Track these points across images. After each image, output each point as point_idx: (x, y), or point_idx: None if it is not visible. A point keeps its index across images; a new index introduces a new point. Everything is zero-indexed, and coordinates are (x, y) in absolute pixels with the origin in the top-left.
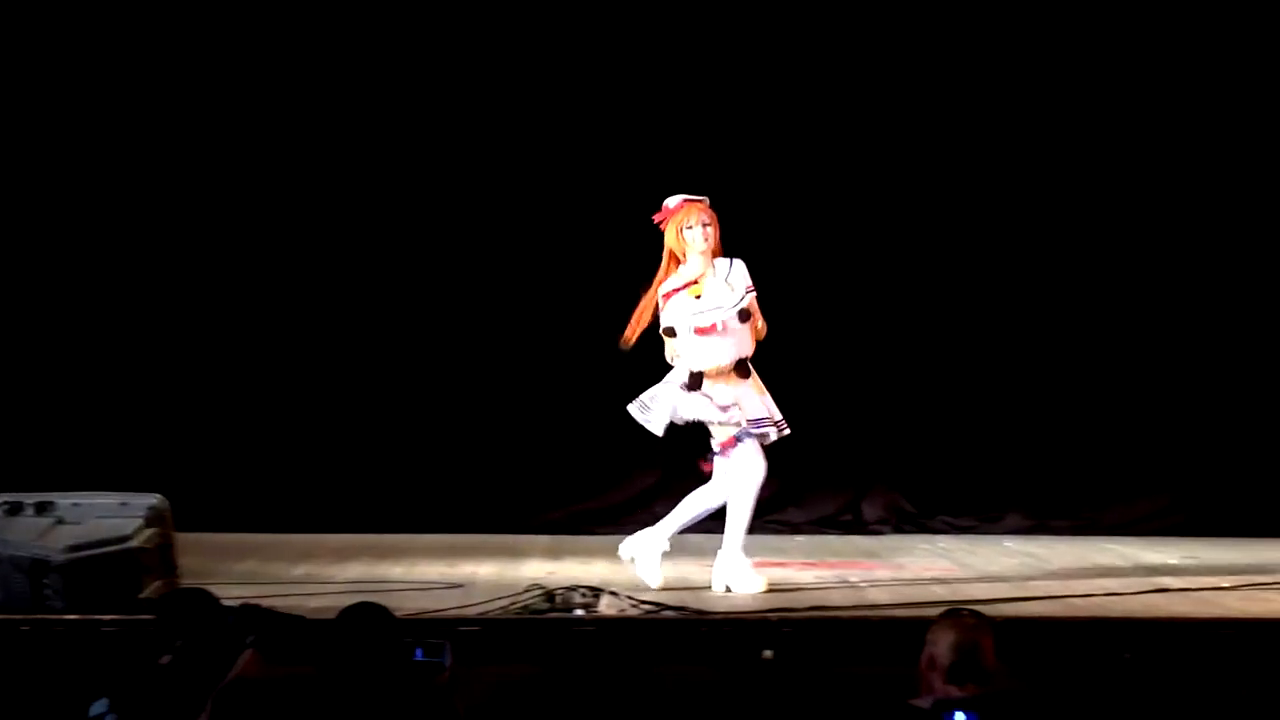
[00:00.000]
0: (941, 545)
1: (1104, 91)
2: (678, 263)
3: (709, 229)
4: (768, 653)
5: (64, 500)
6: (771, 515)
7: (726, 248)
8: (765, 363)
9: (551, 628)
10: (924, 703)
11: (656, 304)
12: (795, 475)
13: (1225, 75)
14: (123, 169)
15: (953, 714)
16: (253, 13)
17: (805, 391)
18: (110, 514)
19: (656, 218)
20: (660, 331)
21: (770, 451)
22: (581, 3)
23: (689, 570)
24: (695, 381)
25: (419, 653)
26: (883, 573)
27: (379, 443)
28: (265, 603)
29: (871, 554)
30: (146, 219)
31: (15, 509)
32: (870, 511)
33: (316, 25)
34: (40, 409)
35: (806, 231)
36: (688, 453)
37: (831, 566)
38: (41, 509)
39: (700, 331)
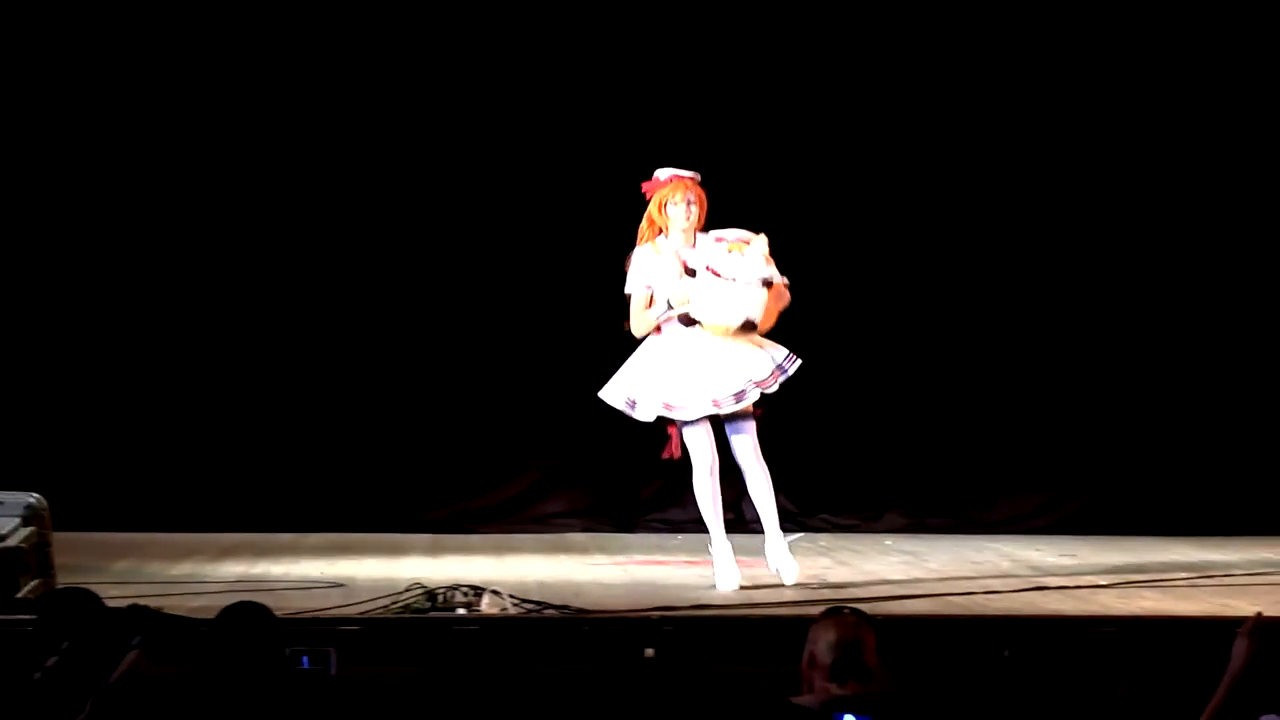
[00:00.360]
0: (822, 544)
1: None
2: (659, 231)
3: (693, 207)
4: (649, 651)
5: None
6: (653, 514)
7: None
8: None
9: (433, 627)
10: (806, 701)
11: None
12: (675, 475)
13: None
14: (35, 159)
15: (842, 715)
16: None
17: None
18: None
19: (645, 186)
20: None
21: (651, 450)
22: None
23: (571, 569)
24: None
25: (305, 661)
26: (764, 571)
27: (260, 440)
28: (145, 602)
29: (753, 553)
30: (41, 211)
31: None
32: (751, 510)
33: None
34: None
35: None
36: (568, 451)
37: (713, 565)
38: None
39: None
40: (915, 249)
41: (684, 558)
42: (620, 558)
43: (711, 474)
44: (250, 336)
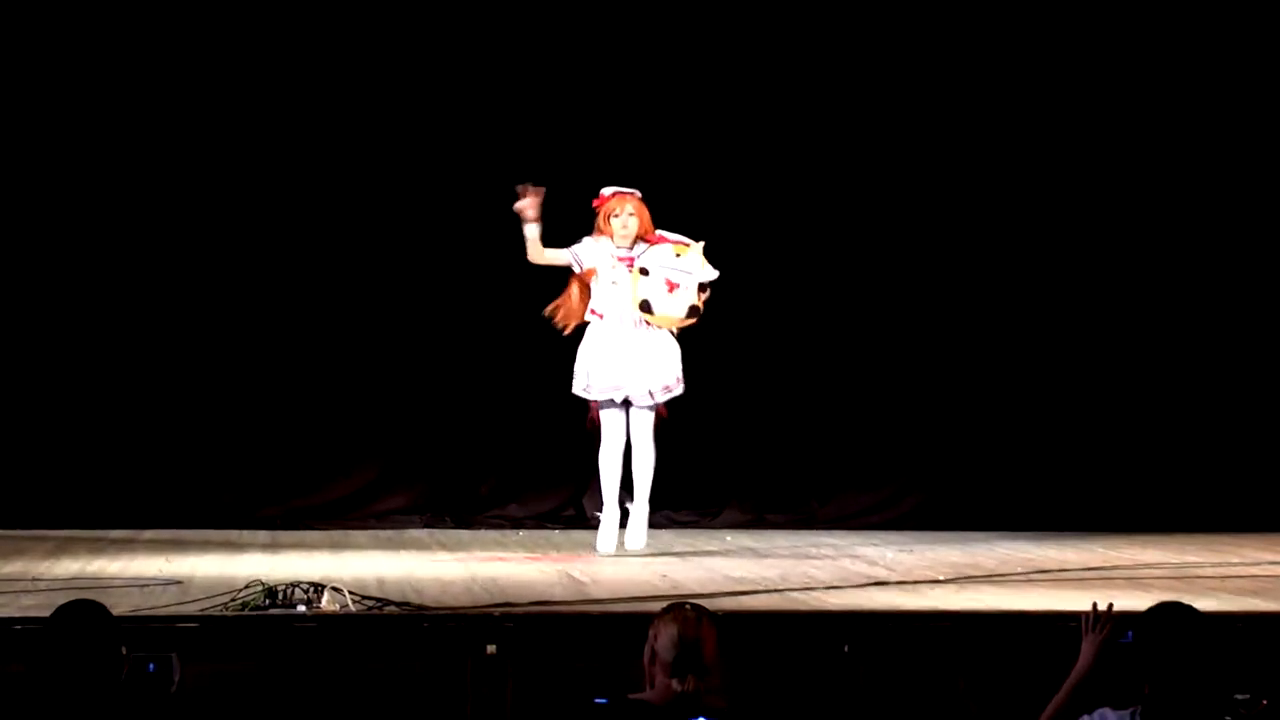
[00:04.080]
0: (663, 540)
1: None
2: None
3: (632, 218)
4: (491, 648)
5: None
6: (492, 511)
7: None
8: (484, 355)
9: (273, 624)
10: (647, 696)
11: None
12: (516, 471)
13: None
14: None
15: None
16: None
17: (523, 383)
18: None
19: (595, 203)
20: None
21: (489, 447)
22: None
23: (411, 565)
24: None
25: (151, 666)
26: (605, 567)
27: (94, 434)
28: None
29: (593, 548)
30: None
31: None
32: (591, 506)
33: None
34: None
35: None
36: (406, 447)
37: (554, 561)
38: None
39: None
40: (768, 239)
41: (524, 554)
42: (460, 554)
43: (617, 453)
44: (82, 327)
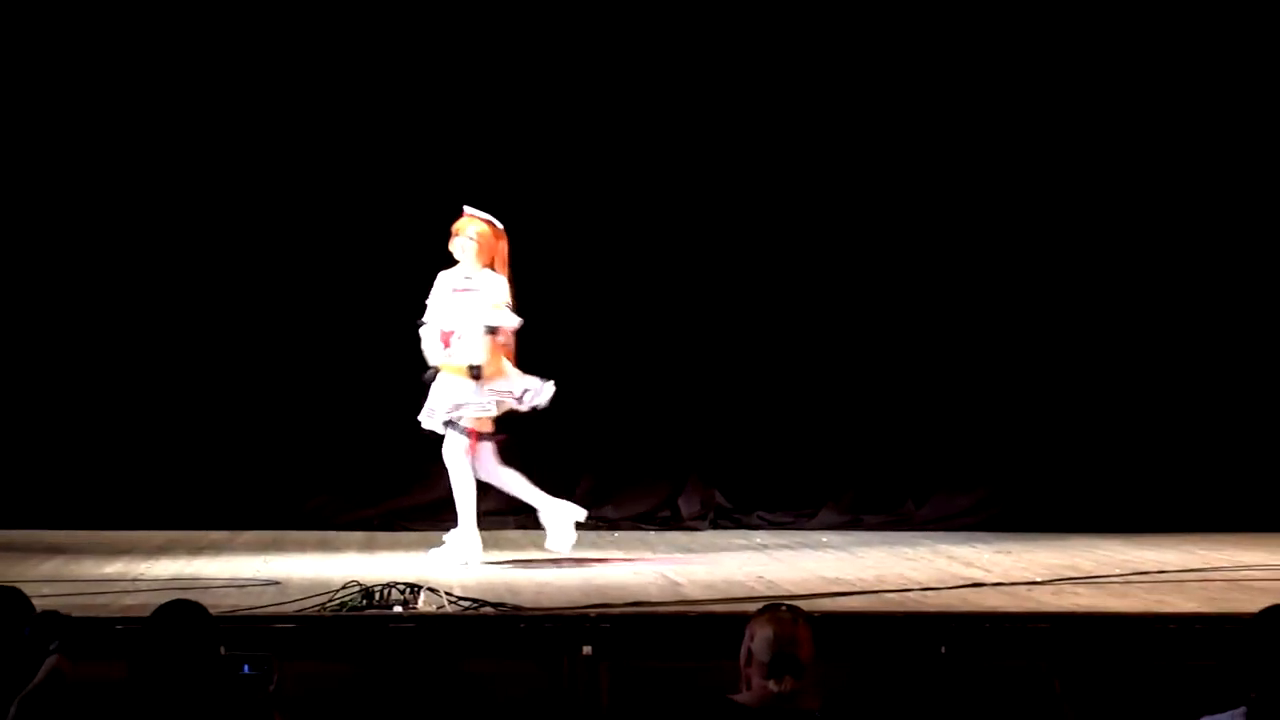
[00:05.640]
0: (758, 540)
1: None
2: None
3: (470, 243)
4: (587, 648)
5: None
6: (589, 511)
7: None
8: (577, 357)
9: (370, 625)
10: (744, 698)
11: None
12: (612, 472)
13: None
14: None
15: None
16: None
17: (619, 388)
18: None
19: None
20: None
21: (585, 449)
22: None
23: (507, 566)
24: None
25: (245, 667)
26: (700, 568)
27: (193, 438)
28: (77, 601)
29: (689, 549)
30: None
31: None
32: (687, 507)
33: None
34: None
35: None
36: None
37: (649, 562)
38: None
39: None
40: (861, 247)
41: (619, 555)
42: (554, 554)
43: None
44: (185, 334)
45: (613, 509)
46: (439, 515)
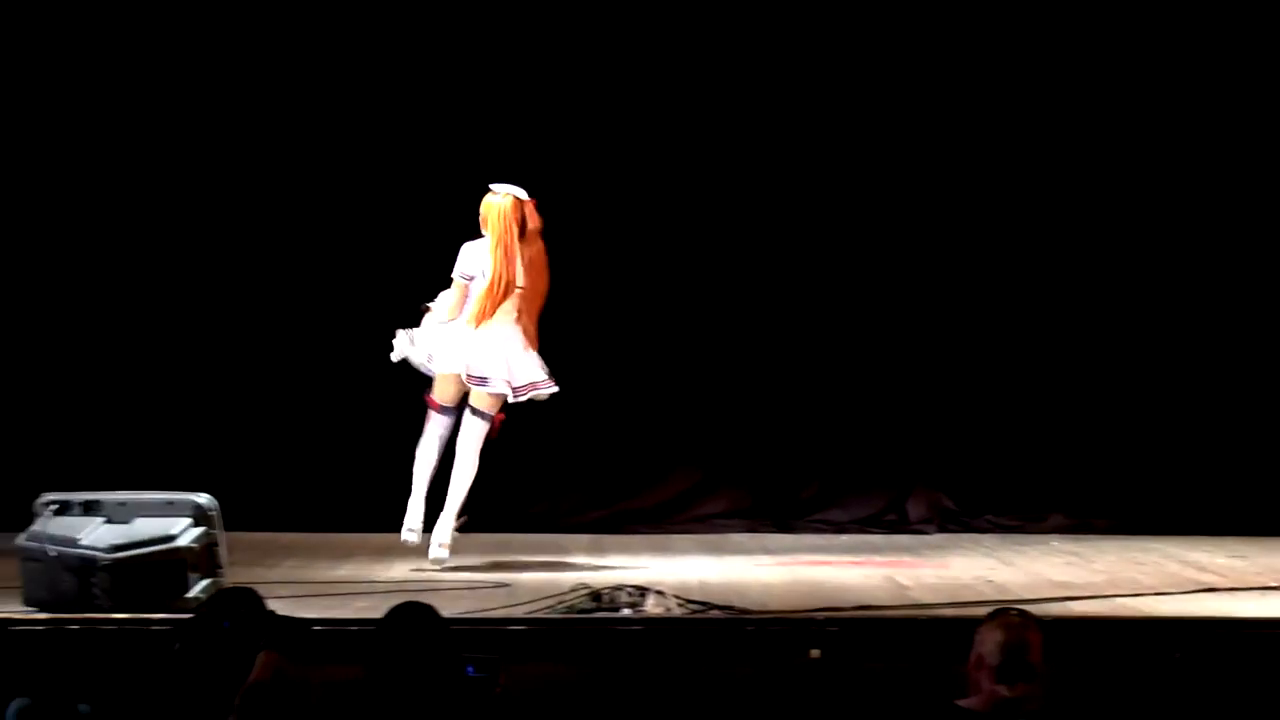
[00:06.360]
0: (986, 544)
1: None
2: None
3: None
4: (815, 652)
5: (111, 499)
6: (814, 515)
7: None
8: (805, 362)
9: (598, 628)
10: (972, 703)
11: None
12: (837, 475)
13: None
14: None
15: None
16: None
17: (847, 392)
18: (157, 513)
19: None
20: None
21: (811, 451)
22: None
23: (734, 569)
24: None
25: (470, 670)
26: (928, 572)
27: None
28: (311, 602)
29: (916, 553)
30: (189, 221)
31: (63, 508)
32: (914, 511)
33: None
34: (88, 409)
35: (849, 228)
36: (729, 451)
37: (877, 565)
38: (89, 508)
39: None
40: (1092, 252)
41: (846, 558)
42: (782, 558)
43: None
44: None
45: (840, 512)
46: (668, 518)
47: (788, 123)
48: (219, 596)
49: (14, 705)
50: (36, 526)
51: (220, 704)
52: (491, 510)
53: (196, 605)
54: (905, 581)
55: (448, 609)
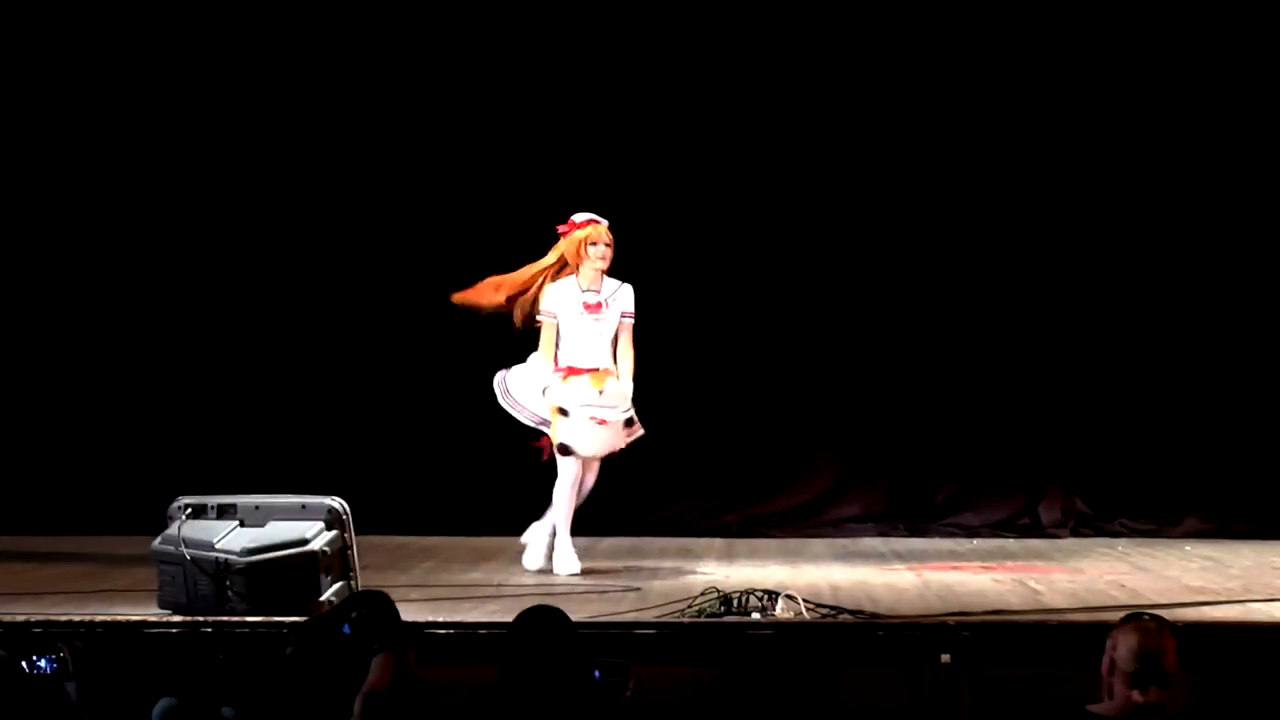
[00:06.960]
0: (1120, 549)
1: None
2: (564, 265)
3: (609, 250)
4: (946, 656)
5: (245, 503)
6: (947, 519)
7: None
8: (941, 365)
9: (729, 631)
10: (1105, 708)
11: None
12: (970, 479)
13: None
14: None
15: None
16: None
17: (980, 395)
18: (291, 516)
19: (562, 228)
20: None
21: (944, 456)
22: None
23: (865, 573)
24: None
25: (597, 673)
26: (1061, 576)
27: None
28: (441, 606)
29: (1049, 557)
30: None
31: (198, 512)
32: (1047, 515)
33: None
34: (223, 414)
35: (966, 236)
36: (862, 456)
37: (1009, 570)
38: (223, 512)
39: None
40: (1219, 255)
41: (978, 563)
42: (914, 562)
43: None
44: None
45: (973, 515)
46: (801, 521)
47: (899, 124)
48: (350, 600)
49: (160, 705)
50: (172, 530)
51: (339, 708)
52: (624, 515)
53: (331, 609)
54: (1037, 586)
55: (578, 613)
